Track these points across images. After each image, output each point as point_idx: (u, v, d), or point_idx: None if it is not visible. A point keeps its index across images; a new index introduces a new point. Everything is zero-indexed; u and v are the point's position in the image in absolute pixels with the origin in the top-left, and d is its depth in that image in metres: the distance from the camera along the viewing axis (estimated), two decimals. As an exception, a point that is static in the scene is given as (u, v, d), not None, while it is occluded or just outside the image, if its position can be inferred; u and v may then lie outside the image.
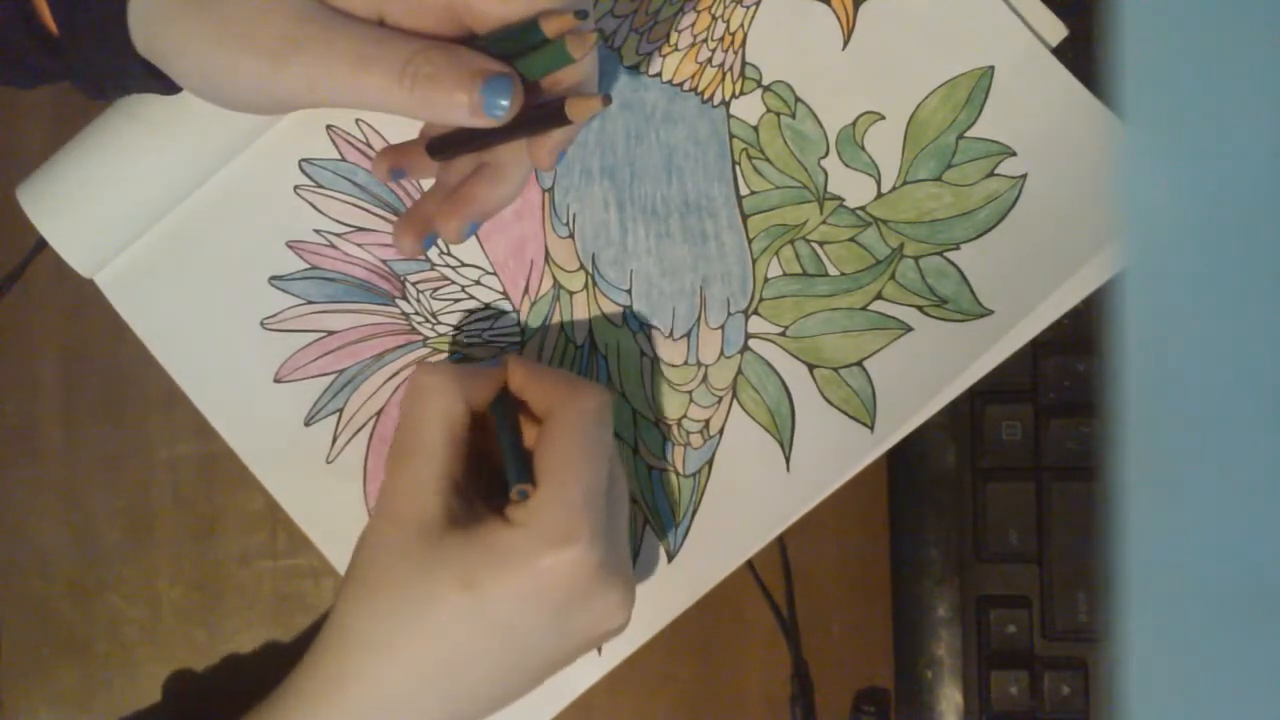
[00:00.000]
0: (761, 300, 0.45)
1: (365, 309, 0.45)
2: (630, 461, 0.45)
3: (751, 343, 0.45)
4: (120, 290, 0.45)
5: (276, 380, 0.45)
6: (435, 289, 0.45)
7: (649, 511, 0.45)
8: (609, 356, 0.45)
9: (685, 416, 0.45)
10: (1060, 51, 0.44)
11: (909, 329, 0.44)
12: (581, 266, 0.45)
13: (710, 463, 0.45)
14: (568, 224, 0.45)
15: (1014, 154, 0.44)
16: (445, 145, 0.39)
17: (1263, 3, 0.20)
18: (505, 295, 0.45)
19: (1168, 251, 0.20)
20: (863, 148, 0.44)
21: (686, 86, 0.45)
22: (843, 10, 0.44)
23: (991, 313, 0.44)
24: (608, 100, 0.35)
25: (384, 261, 0.45)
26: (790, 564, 0.47)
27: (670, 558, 0.45)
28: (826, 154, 0.44)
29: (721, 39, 0.45)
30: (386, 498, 0.39)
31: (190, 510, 0.47)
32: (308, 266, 0.45)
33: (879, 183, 0.44)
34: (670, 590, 0.45)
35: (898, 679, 0.46)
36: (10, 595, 0.47)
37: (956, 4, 0.44)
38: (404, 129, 0.44)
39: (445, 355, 0.45)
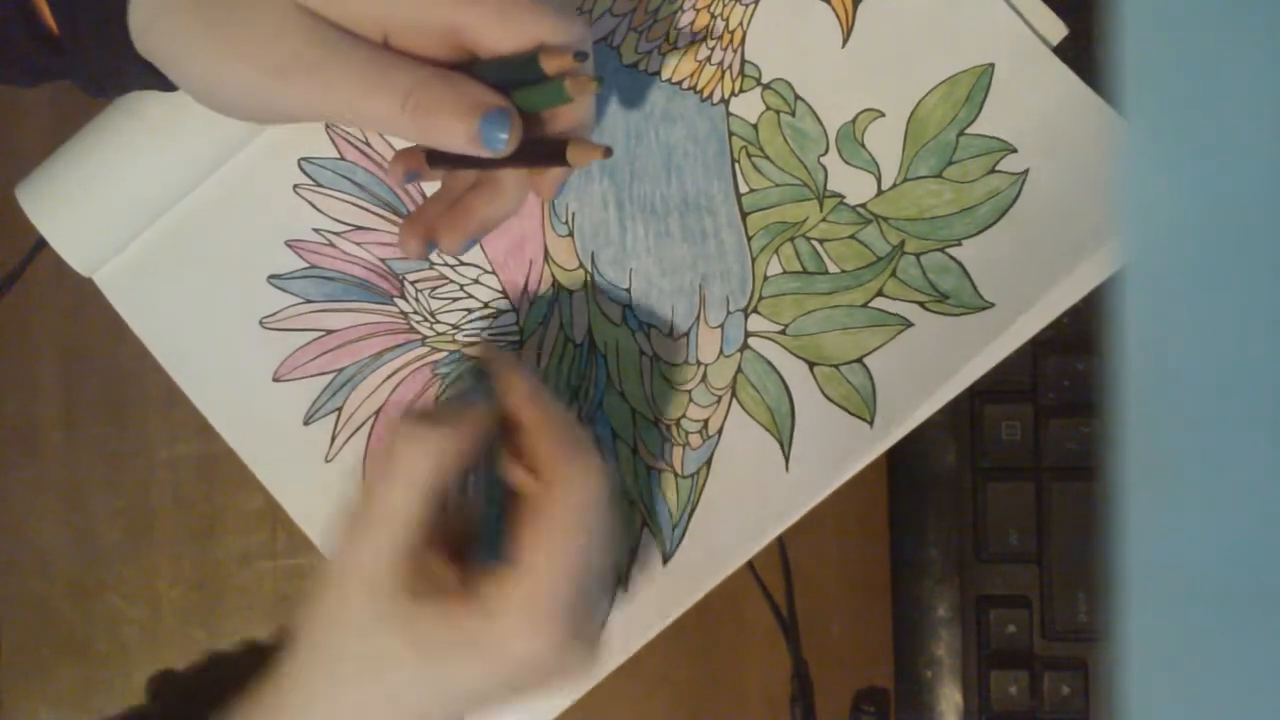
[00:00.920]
0: (761, 298, 0.44)
1: (364, 308, 0.45)
2: (629, 461, 0.45)
3: (751, 341, 0.44)
4: (119, 289, 0.45)
5: (275, 379, 0.45)
6: (434, 288, 0.45)
7: (647, 512, 0.45)
8: (608, 355, 0.45)
9: (684, 416, 0.45)
10: (1060, 51, 0.44)
11: (909, 324, 0.44)
12: (581, 265, 0.45)
13: (708, 463, 0.45)
14: (567, 222, 0.45)
15: (1015, 150, 0.44)
16: (445, 160, 0.39)
17: (1263, 0, 0.20)
18: (504, 294, 0.45)
19: (1168, 249, 0.20)
20: (863, 145, 0.44)
21: (685, 85, 0.45)
22: (842, 8, 0.44)
23: (992, 305, 0.44)
24: (609, 152, 0.36)
25: (383, 260, 0.45)
26: (790, 564, 0.46)
27: (666, 559, 0.45)
28: (826, 151, 0.44)
29: (721, 37, 0.45)
30: (339, 563, 0.37)
31: (190, 510, 0.47)
32: (307, 265, 0.45)
33: (879, 180, 0.44)
34: (669, 592, 0.44)
35: (898, 679, 0.46)
36: (10, 595, 0.47)
37: (956, 2, 0.44)
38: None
39: (444, 354, 0.45)
